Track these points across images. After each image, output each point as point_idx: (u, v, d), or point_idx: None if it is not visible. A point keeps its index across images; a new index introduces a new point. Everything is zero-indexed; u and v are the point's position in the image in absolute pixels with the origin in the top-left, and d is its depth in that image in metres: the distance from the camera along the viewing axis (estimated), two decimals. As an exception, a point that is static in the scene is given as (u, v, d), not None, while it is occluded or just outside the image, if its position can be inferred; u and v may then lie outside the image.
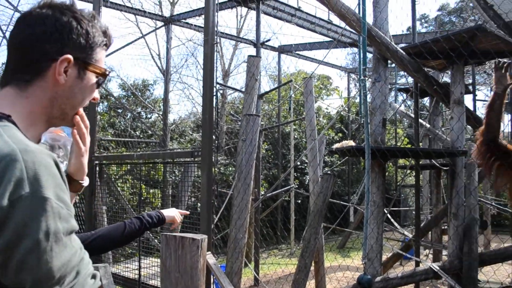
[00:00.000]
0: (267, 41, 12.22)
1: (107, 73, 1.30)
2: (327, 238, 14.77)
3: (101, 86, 1.33)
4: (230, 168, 13.83)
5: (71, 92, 1.21)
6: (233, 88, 12.98)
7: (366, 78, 4.36)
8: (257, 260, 9.42)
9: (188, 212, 2.40)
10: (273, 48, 13.99)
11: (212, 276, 4.70)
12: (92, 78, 1.26)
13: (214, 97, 4.34)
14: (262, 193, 11.37)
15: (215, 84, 4.51)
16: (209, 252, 4.26)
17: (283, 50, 14.07)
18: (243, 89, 7.34)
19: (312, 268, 8.73)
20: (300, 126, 16.03)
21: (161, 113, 13.44)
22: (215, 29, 4.34)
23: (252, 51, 11.90)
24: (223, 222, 12.51)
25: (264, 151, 14.79)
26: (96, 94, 1.32)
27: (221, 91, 14.33)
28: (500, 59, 3.03)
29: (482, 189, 12.55)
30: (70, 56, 1.16)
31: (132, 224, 1.99)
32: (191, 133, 16.04)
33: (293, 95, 11.94)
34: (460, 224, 5.08)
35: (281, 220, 13.91)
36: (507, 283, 8.95)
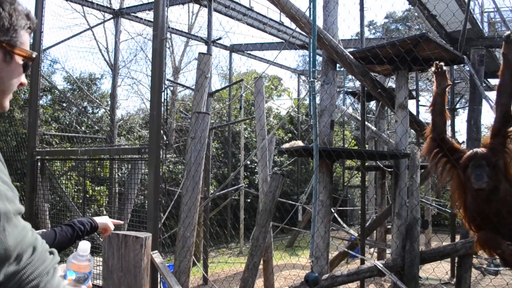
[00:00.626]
0: (218, 39, 12.17)
1: (33, 56, 1.28)
2: (276, 237, 14.93)
3: (27, 70, 1.32)
4: (180, 166, 13.67)
5: None
6: (183, 85, 12.84)
7: (315, 80, 4.44)
8: (206, 259, 9.37)
9: (121, 222, 2.31)
10: (224, 47, 13.97)
11: (158, 275, 4.62)
12: (19, 61, 1.24)
13: (163, 93, 4.27)
14: (212, 192, 11.32)
15: (164, 80, 4.45)
16: (156, 251, 4.19)
17: (234, 49, 14.08)
18: (193, 87, 7.28)
19: (261, 266, 8.80)
20: (250, 126, 16.11)
21: (108, 108, 13.06)
22: (165, 24, 4.28)
23: (203, 49, 11.80)
24: (172, 221, 12.35)
25: (214, 150, 14.73)
26: (23, 78, 1.30)
27: (171, 88, 14.15)
28: (438, 63, 3.18)
29: (423, 190, 13.14)
30: None
31: (63, 232, 1.88)
32: (139, 129, 15.70)
33: (243, 95, 11.98)
34: (403, 223, 5.28)
35: (231, 219, 13.92)
36: (445, 280, 9.43)
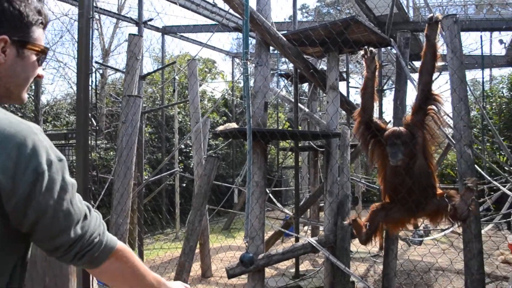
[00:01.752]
0: (149, 20, 11.77)
1: (47, 50, 1.37)
2: (212, 220, 14.96)
3: (42, 63, 1.40)
4: (112, 153, 13.22)
5: (13, 70, 1.27)
6: (112, 68, 12.30)
7: (248, 62, 4.43)
8: (141, 246, 9.19)
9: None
10: (156, 29, 13.54)
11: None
12: (32, 56, 1.32)
13: (91, 75, 4.07)
14: (146, 177, 11.08)
15: (91, 62, 4.23)
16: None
17: (166, 31, 13.70)
18: (124, 70, 7.01)
19: (198, 250, 8.79)
20: (184, 109, 15.86)
21: (32, 93, 12.26)
22: (92, 2, 4.05)
23: (134, 30, 11.41)
24: (104, 209, 11.96)
25: (147, 135, 14.37)
26: (40, 71, 1.39)
27: (100, 71, 13.54)
28: (368, 47, 3.29)
29: (353, 168, 13.69)
30: (5, 36, 1.22)
31: None
32: (67, 115, 14.93)
33: (177, 78, 11.72)
34: (334, 200, 5.47)
35: (166, 205, 13.72)
36: (374, 252, 9.95)
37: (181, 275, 6.06)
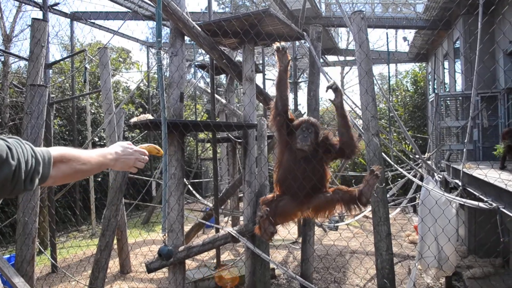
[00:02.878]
0: (55, 4, 11.04)
1: None
2: (131, 215, 14.53)
3: None
4: (17, 147, 12.25)
5: None
6: (14, 55, 11.34)
7: (161, 51, 4.32)
8: (54, 244, 8.69)
9: None
10: (64, 14, 12.73)
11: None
12: None
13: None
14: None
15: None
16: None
17: (75, 17, 12.94)
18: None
19: (116, 246, 8.49)
20: (97, 100, 15.15)
21: None
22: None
23: (39, 15, 10.58)
24: (11, 207, 11.10)
25: (57, 127, 13.54)
26: None
27: (1, 59, 12.47)
28: (280, 42, 3.35)
29: (271, 159, 13.96)
30: None
31: None
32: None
33: (88, 67, 11.11)
34: (253, 190, 5.55)
35: (81, 200, 13.05)
36: (293, 239, 10.27)
37: (98, 273, 5.82)
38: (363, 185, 3.20)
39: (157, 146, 2.13)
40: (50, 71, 10.55)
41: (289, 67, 3.51)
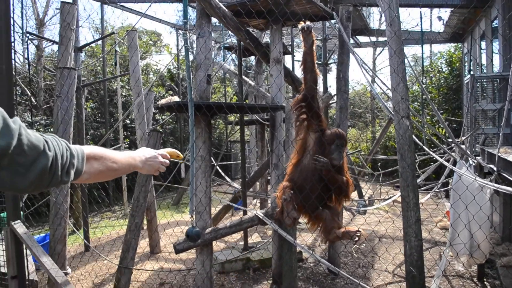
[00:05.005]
0: (87, -11, 11.13)
1: None
2: (160, 196, 14.78)
3: None
4: (52, 129, 12.63)
5: None
6: (46, 39, 11.56)
7: (189, 32, 4.28)
8: (87, 224, 8.93)
9: None
10: (94, -2, 12.86)
11: (24, 247, 4.26)
12: None
13: (19, 44, 3.78)
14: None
15: (12, 27, 3.91)
16: (18, 221, 3.83)
17: (105, 0, 13.06)
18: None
19: (147, 227, 8.67)
20: (128, 83, 15.36)
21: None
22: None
23: (70, -1, 10.70)
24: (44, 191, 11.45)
25: (89, 110, 13.82)
26: None
27: (35, 43, 12.74)
28: (304, 21, 3.24)
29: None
30: None
31: None
32: None
33: (118, 50, 11.22)
34: (281, 173, 5.51)
35: (113, 181, 13.35)
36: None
37: (127, 252, 5.95)
38: (344, 233, 3.15)
39: (177, 151, 2.31)
40: (82, 54, 10.71)
41: (315, 48, 3.40)
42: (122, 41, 11.43)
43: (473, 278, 6.66)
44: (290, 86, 7.27)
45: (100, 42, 13.67)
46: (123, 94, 15.00)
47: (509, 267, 6.54)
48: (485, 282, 6.51)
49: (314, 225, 3.39)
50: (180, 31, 18.59)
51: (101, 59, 12.61)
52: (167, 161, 2.12)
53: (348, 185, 3.25)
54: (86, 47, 12.66)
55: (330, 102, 10.04)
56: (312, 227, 3.43)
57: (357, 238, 3.10)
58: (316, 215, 3.33)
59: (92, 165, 1.58)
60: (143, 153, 1.99)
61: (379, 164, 16.68)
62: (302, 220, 3.57)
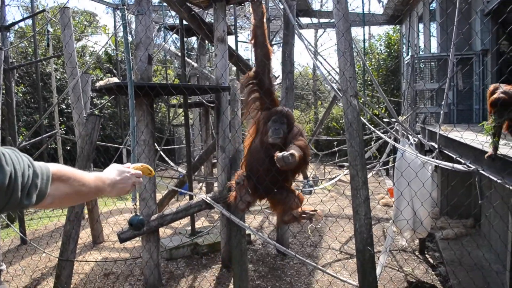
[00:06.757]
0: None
1: None
2: (102, 184, 14.20)
3: None
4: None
5: None
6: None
7: (126, 8, 4.01)
8: (22, 217, 8.38)
9: None
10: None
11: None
12: None
13: None
14: (22, 141, 10.01)
15: None
16: None
17: (35, -24, 12.15)
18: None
19: (87, 216, 8.26)
20: (63, 66, 14.51)
21: None
22: None
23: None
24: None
25: (20, 95, 12.94)
26: None
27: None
28: None
29: (245, 124, 13.79)
30: None
31: None
32: None
33: (51, 30, 10.48)
34: (228, 156, 5.38)
35: (49, 169, 12.63)
36: (268, 204, 10.24)
37: (67, 244, 5.62)
38: (301, 215, 3.10)
39: (149, 167, 2.03)
40: (11, 35, 9.93)
41: (265, 20, 3.26)
42: (54, 19, 10.68)
43: (415, 252, 6.94)
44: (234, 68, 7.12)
45: (30, 22, 12.74)
46: (58, 77, 14.17)
47: (448, 239, 6.87)
48: (426, 255, 6.79)
49: (272, 207, 3.29)
50: (118, 11, 17.79)
51: (32, 40, 11.75)
52: (141, 180, 1.86)
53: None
54: (15, 27, 11.74)
55: (274, 83, 9.98)
56: (271, 209, 3.34)
57: (314, 219, 3.05)
58: (271, 198, 3.24)
59: (57, 187, 1.36)
60: (113, 173, 1.73)
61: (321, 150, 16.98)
62: (259, 203, 3.45)
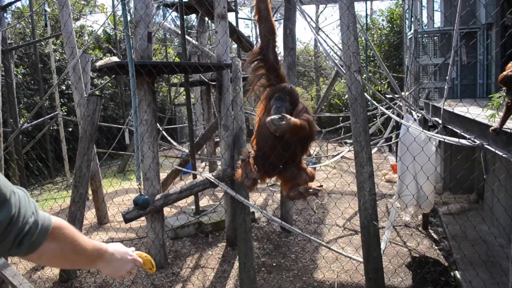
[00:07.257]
0: None
1: None
2: (105, 164, 14.26)
3: None
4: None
5: None
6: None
7: (125, -15, 3.93)
8: (26, 198, 8.41)
9: None
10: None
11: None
12: None
13: None
14: (24, 123, 9.98)
15: None
16: None
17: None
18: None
19: (92, 197, 8.29)
20: (62, 47, 14.37)
21: None
22: None
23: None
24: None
25: (20, 77, 12.85)
26: None
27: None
28: None
29: (247, 103, 13.72)
30: None
31: None
32: None
33: (48, 10, 10.33)
34: (229, 134, 5.36)
35: (52, 151, 12.62)
36: (272, 182, 10.27)
37: (73, 225, 5.66)
38: (307, 190, 3.08)
39: (152, 261, 1.85)
40: (9, 16, 9.80)
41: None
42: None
43: (418, 227, 6.96)
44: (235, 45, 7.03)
45: (27, 2, 12.55)
46: (57, 58, 14.04)
47: (452, 214, 6.88)
48: (429, 230, 6.82)
49: (283, 185, 3.30)
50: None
51: (30, 20, 11.61)
52: (140, 260, 1.71)
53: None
54: (12, 7, 11.59)
55: (280, 59, 9.86)
56: (282, 187, 3.33)
57: (319, 194, 3.05)
58: (280, 175, 3.23)
59: (50, 244, 1.23)
60: (114, 250, 1.58)
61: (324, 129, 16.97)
62: (268, 181, 3.44)
